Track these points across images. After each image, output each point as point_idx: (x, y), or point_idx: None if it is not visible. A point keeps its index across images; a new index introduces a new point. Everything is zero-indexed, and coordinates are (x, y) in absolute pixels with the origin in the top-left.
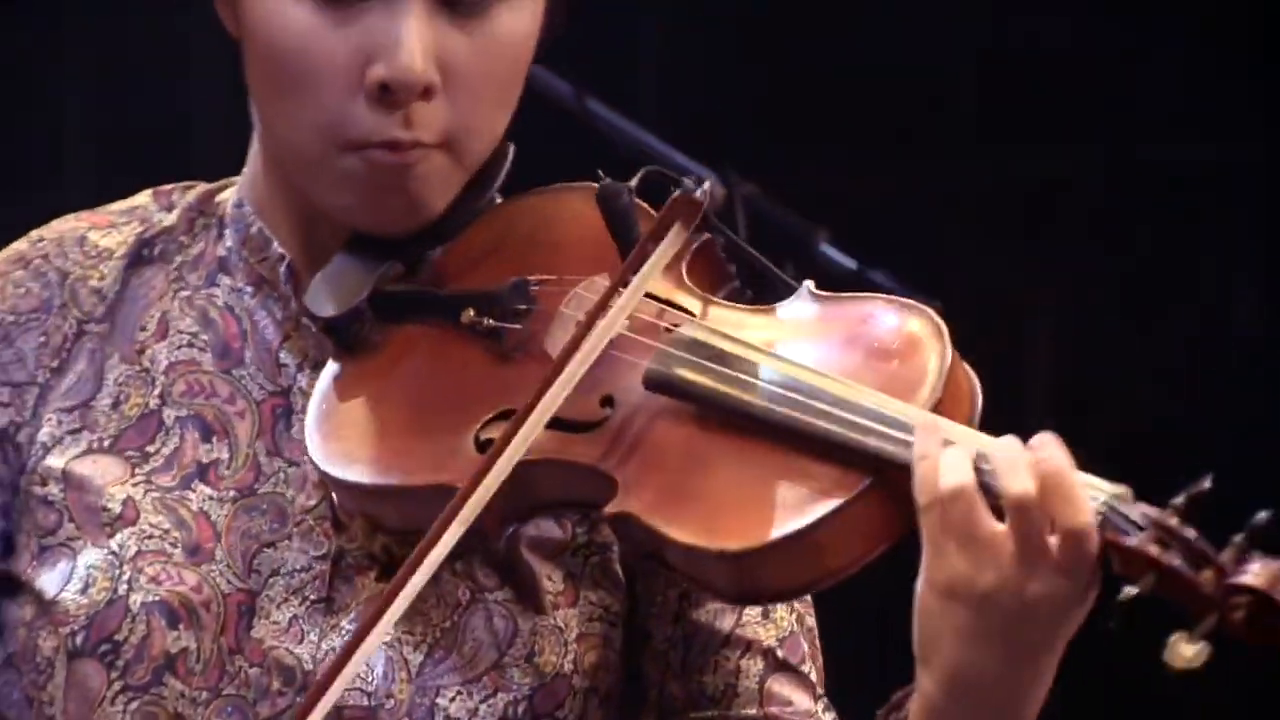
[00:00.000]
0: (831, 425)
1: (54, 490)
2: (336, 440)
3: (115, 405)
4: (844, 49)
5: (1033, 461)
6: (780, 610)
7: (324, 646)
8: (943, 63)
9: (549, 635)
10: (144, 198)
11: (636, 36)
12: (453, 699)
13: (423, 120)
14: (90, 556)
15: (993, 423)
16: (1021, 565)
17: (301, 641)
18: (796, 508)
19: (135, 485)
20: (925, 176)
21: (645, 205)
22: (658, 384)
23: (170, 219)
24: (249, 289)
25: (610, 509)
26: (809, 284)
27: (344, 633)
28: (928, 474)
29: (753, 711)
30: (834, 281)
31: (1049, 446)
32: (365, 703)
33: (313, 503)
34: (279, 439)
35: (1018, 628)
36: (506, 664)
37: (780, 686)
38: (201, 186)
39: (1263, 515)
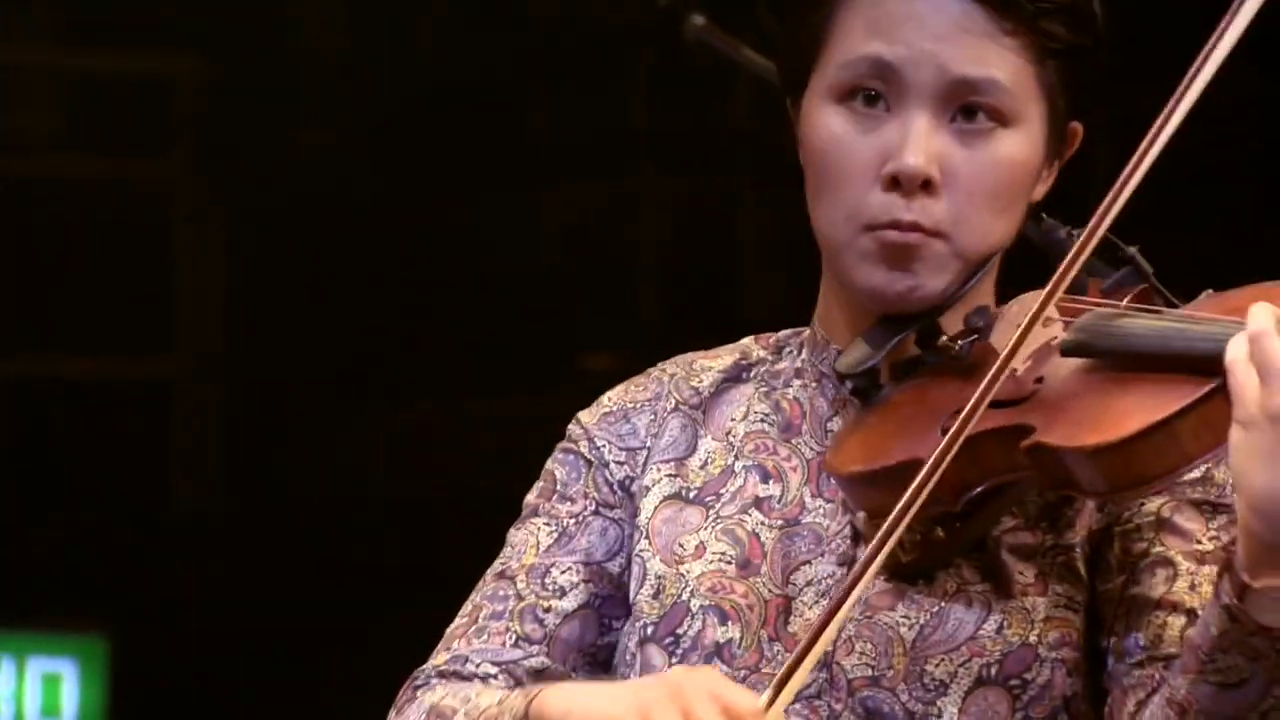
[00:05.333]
0: (1184, 343)
1: (642, 519)
2: (843, 453)
3: (703, 466)
4: None
5: None
6: (1206, 584)
7: (840, 635)
8: None
9: (1017, 614)
10: (747, 341)
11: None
12: (938, 664)
13: (922, 208)
14: (658, 568)
15: None
16: None
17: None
18: (1159, 406)
19: (706, 530)
20: None
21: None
22: (1068, 349)
23: (764, 353)
24: (813, 384)
25: (1024, 444)
26: (1208, 291)
27: (854, 620)
28: (1235, 342)
29: (1172, 650)
30: None
31: None
32: (869, 673)
33: (839, 527)
34: (821, 484)
35: None
36: (981, 636)
37: None
38: (789, 330)
39: None
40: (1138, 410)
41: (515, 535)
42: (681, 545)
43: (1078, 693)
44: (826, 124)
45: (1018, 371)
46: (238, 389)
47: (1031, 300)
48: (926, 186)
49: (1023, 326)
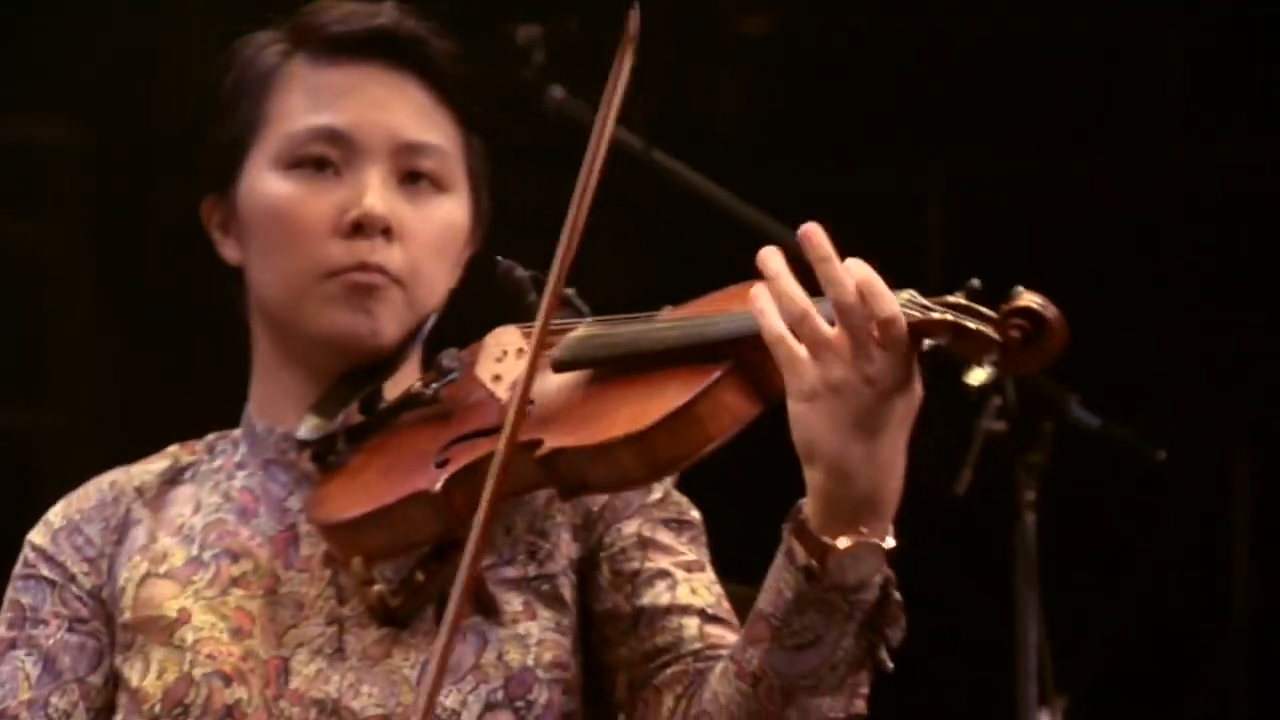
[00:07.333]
0: (690, 333)
1: (128, 616)
2: (325, 506)
3: (166, 556)
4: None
5: (849, 274)
6: (702, 589)
7: (344, 682)
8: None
9: (513, 641)
10: (174, 449)
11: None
12: (447, 695)
13: (385, 253)
14: (159, 653)
15: None
16: (856, 354)
17: (328, 683)
18: (677, 394)
19: (186, 598)
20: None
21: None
22: (561, 365)
23: (194, 456)
24: (260, 472)
25: (538, 453)
26: (666, 307)
27: (355, 669)
28: (771, 321)
29: (697, 646)
30: (1084, 436)
31: (858, 264)
32: (380, 712)
33: (316, 591)
34: (291, 558)
35: (868, 408)
36: (483, 664)
37: (713, 628)
38: (214, 434)
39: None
40: (656, 400)
41: None
42: (165, 616)
43: (574, 709)
44: (274, 190)
45: (501, 401)
46: (110, 445)
47: (505, 333)
48: (386, 233)
49: (532, 351)
